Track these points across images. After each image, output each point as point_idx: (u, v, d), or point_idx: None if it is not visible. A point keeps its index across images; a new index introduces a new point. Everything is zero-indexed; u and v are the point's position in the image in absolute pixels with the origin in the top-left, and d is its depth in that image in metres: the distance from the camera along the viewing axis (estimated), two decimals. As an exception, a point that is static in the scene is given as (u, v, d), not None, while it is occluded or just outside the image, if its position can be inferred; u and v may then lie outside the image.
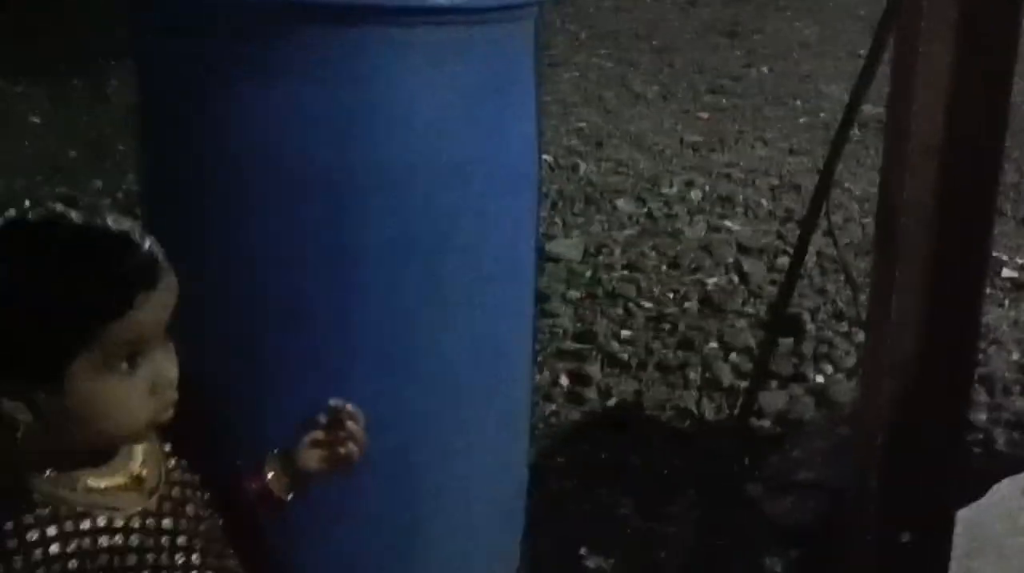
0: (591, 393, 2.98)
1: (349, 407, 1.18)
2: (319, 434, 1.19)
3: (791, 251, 3.22)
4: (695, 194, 4.43)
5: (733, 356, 3.14)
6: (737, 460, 2.57)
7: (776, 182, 4.63)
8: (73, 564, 0.94)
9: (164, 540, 1.00)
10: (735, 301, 3.49)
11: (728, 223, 4.13)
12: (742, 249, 3.87)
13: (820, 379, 3.02)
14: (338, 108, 1.50)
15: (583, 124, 5.38)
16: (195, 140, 1.57)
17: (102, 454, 0.99)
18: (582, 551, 2.34)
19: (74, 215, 1.00)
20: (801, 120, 5.60)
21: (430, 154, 1.59)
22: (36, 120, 5.34)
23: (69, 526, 0.94)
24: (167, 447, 1.05)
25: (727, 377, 3.02)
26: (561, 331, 3.29)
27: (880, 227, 1.65)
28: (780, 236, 3.99)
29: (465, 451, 1.80)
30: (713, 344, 3.21)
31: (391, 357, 1.67)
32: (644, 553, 2.35)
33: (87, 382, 0.93)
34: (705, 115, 5.66)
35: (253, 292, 1.58)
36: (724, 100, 5.93)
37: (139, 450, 1.02)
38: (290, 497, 1.19)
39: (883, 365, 1.63)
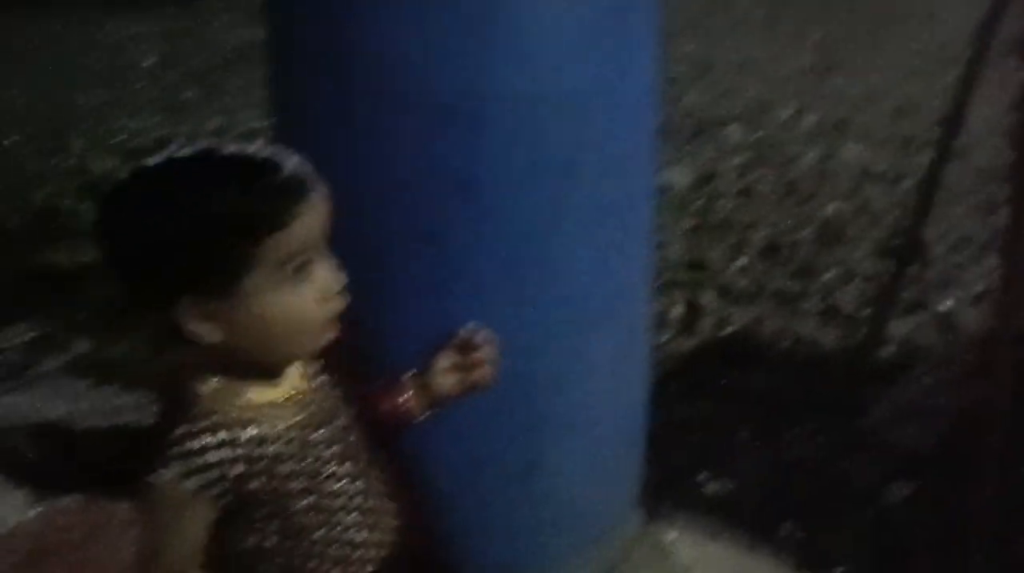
0: (705, 323, 2.96)
1: (483, 332, 1.20)
2: (453, 357, 1.22)
3: (913, 175, 3.12)
4: (809, 119, 4.31)
5: (854, 284, 3.07)
6: (859, 387, 2.53)
7: (895, 105, 4.46)
8: (238, 469, 1.01)
9: (316, 451, 1.06)
10: (854, 228, 3.40)
11: (845, 148, 4.01)
12: (861, 174, 3.76)
13: (945, 306, 2.94)
14: (465, 36, 1.50)
15: (688, 50, 5.26)
16: (324, 69, 1.58)
17: (265, 370, 1.04)
18: (700, 477, 2.35)
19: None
20: (919, 40, 5.36)
21: (554, 83, 1.58)
22: (152, 61, 5.49)
23: (234, 434, 1.01)
24: (316, 365, 1.11)
25: (847, 305, 2.96)
26: (673, 261, 3.27)
27: (1018, 150, 1.59)
28: (901, 160, 3.86)
29: (586, 378, 1.81)
30: (832, 272, 3.14)
31: (515, 284, 1.68)
32: (764, 479, 2.34)
33: (262, 294, 0.98)
34: (816, 37, 5.47)
35: (382, 220, 1.61)
36: (836, 22, 5.72)
37: (294, 367, 1.08)
38: (423, 416, 1.23)
39: (1017, 291, 1.58)
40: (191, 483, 0.99)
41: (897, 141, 4.09)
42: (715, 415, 2.56)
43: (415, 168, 1.58)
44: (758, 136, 4.17)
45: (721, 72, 4.97)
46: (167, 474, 0.99)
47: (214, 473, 1.00)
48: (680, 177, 3.77)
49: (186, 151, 0.99)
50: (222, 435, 1.00)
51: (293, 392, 1.06)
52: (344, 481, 1.09)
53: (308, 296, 1.00)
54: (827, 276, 3.14)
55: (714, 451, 2.44)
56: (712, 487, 2.33)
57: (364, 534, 1.10)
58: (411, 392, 1.22)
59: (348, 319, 1.12)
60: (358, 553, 1.10)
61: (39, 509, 2.16)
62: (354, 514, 1.09)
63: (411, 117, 1.56)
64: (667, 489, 2.27)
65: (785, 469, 2.37)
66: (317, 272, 1.01)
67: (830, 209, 3.55)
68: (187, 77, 5.18)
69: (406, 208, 1.60)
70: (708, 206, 3.61)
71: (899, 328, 2.80)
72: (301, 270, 0.99)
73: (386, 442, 1.17)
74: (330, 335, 1.04)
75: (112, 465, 2.25)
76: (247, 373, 1.03)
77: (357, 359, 1.15)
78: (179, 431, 0.99)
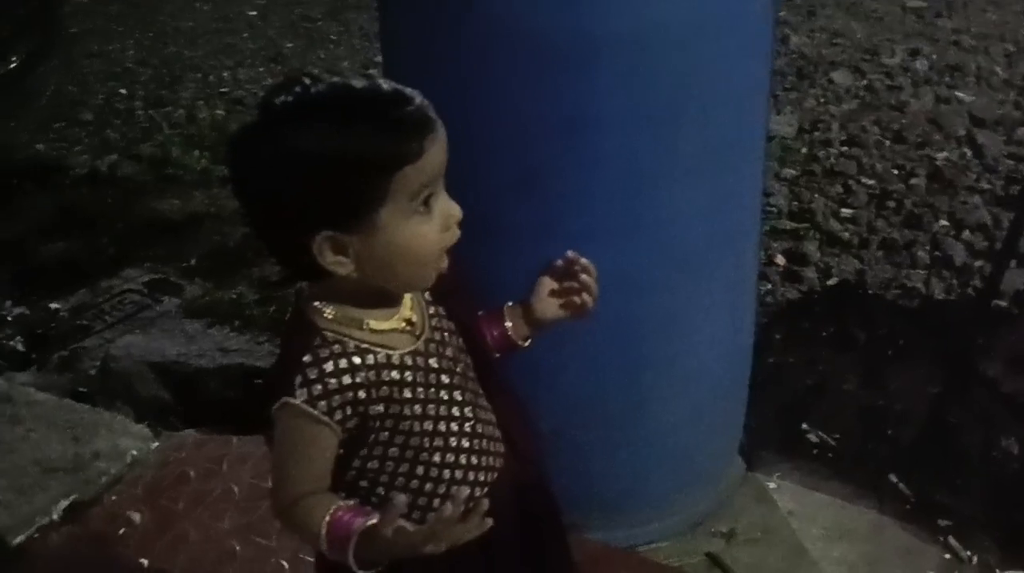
0: (809, 272, 2.90)
1: (583, 259, 1.21)
2: (555, 283, 1.23)
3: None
4: (920, 63, 4.14)
5: (966, 234, 2.97)
6: (971, 338, 2.46)
7: (1011, 48, 4.26)
8: (361, 394, 1.04)
9: (431, 377, 1.10)
10: (968, 176, 3.28)
11: (959, 93, 3.85)
12: (975, 121, 3.61)
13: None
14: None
15: (793, -8, 5.11)
16: (434, 8, 1.59)
17: (382, 300, 1.08)
18: (804, 425, 2.32)
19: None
20: (1040, -21, 5.10)
21: (666, 21, 1.55)
22: (253, 13, 5.57)
23: (356, 360, 1.04)
24: (427, 296, 1.14)
25: (960, 256, 2.86)
26: (776, 210, 3.20)
27: None
28: (1017, 106, 3.70)
29: (692, 321, 1.80)
30: (944, 222, 3.05)
31: (622, 225, 1.67)
32: (870, 428, 2.30)
33: (394, 226, 1.01)
34: (929, -22, 5.25)
35: (489, 160, 1.62)
36: (950, -39, 5.47)
37: (408, 298, 1.11)
38: (527, 344, 1.25)
39: None
40: (319, 407, 1.02)
41: (1013, 86, 3.91)
42: (819, 364, 2.52)
43: (523, 108, 1.58)
44: (865, 81, 4.03)
45: (827, 15, 4.80)
46: (295, 400, 1.02)
47: (340, 397, 1.03)
48: (784, 124, 3.68)
49: (316, 86, 1.00)
50: (344, 362, 1.03)
51: (406, 323, 1.10)
52: (455, 407, 1.12)
53: (434, 224, 1.03)
54: (937, 226, 3.04)
55: (818, 400, 2.40)
56: (815, 436, 2.30)
57: (475, 459, 1.14)
58: (514, 319, 1.24)
59: (457, 255, 1.14)
60: (470, 476, 1.13)
61: (156, 444, 2.25)
62: (465, 439, 1.13)
63: (520, 57, 1.55)
64: (770, 436, 2.25)
65: (891, 420, 2.33)
66: (439, 203, 1.04)
67: (941, 157, 3.43)
68: (288, 28, 5.25)
69: (513, 148, 1.61)
70: (813, 153, 3.52)
71: (1014, 280, 2.70)
72: (426, 202, 1.02)
73: (493, 372, 1.19)
74: (444, 265, 1.07)
75: (237, 405, 2.34)
76: (365, 303, 1.07)
77: (465, 293, 1.17)
78: (305, 359, 1.03)
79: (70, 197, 3.61)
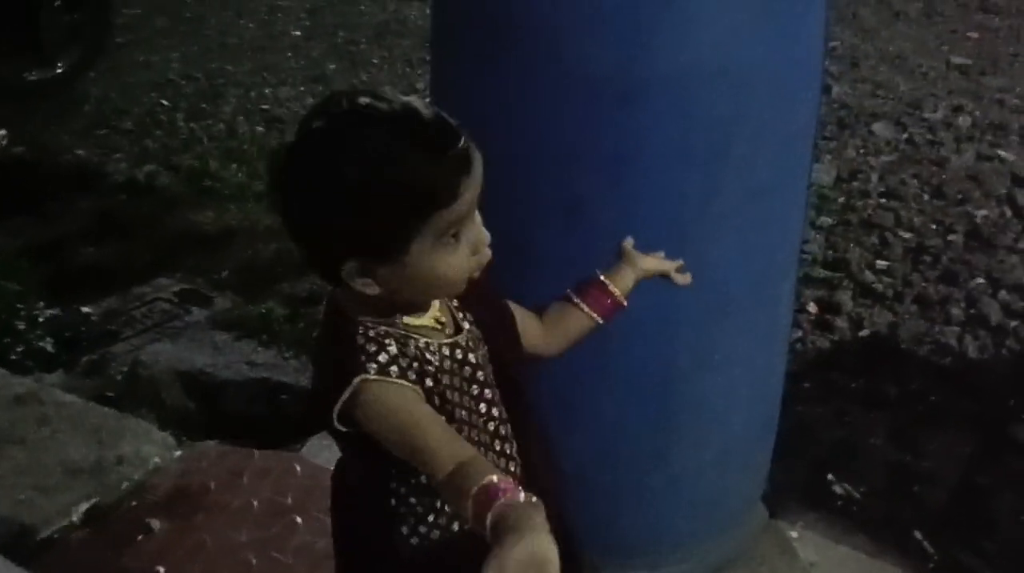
0: (841, 322, 2.88)
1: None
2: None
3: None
4: (963, 120, 4.12)
5: (1003, 293, 2.93)
6: (1004, 400, 2.42)
7: (1056, 110, 4.24)
8: (416, 364, 1.05)
9: (467, 370, 1.12)
10: (1007, 235, 3.25)
11: (1001, 152, 3.82)
12: (1016, 180, 3.59)
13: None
14: (629, 10, 1.49)
15: (836, 43, 5.09)
16: (483, 37, 1.60)
17: (413, 306, 1.10)
18: (830, 476, 2.29)
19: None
20: (1086, 43, 5.08)
21: (716, 60, 1.55)
22: (297, 33, 5.63)
23: (403, 343, 1.06)
24: (455, 303, 1.16)
25: (995, 315, 2.83)
26: (810, 257, 3.18)
27: None
28: (1059, 168, 3.67)
29: (726, 363, 1.78)
30: (980, 279, 3.01)
31: (661, 263, 1.66)
32: (897, 484, 2.27)
33: (423, 257, 1.03)
34: (975, 35, 5.23)
35: (530, 189, 1.62)
36: (997, 19, 5.46)
37: (436, 302, 1.13)
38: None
39: None
40: (392, 373, 1.03)
41: (1056, 148, 3.89)
42: (848, 416, 2.49)
43: (567, 140, 1.58)
44: (906, 135, 4.01)
45: (871, 66, 4.80)
46: (370, 374, 1.02)
47: (404, 360, 1.04)
48: (822, 172, 3.66)
49: (366, 105, 1.00)
50: (391, 342, 1.05)
51: (436, 322, 1.12)
52: (484, 405, 1.13)
53: (463, 253, 1.05)
54: (973, 283, 3.01)
55: (844, 452, 2.37)
56: (840, 489, 2.27)
57: (500, 461, 1.15)
58: (609, 280, 1.31)
59: (494, 281, 1.15)
60: None
61: (179, 452, 2.25)
62: (493, 440, 1.14)
63: (566, 91, 1.56)
64: (794, 485, 2.22)
65: (918, 477, 2.29)
66: (471, 230, 1.05)
67: (980, 215, 3.40)
68: (331, 50, 5.30)
69: (557, 180, 1.61)
70: (850, 204, 3.50)
71: (1050, 342, 2.67)
72: (459, 231, 1.04)
73: (521, 395, 1.19)
74: (475, 275, 1.09)
75: (261, 418, 2.35)
76: (396, 308, 1.09)
77: (492, 301, 1.20)
78: (359, 341, 1.04)
79: (108, 204, 3.64)
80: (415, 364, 1.06)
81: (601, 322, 1.30)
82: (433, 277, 1.04)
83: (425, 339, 1.09)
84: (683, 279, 1.38)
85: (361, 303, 1.07)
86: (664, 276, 1.36)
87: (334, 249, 1.02)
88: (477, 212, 1.06)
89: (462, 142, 1.01)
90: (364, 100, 1.01)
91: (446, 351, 1.10)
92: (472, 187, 1.02)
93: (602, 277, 1.32)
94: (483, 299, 1.16)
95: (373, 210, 0.99)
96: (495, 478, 0.91)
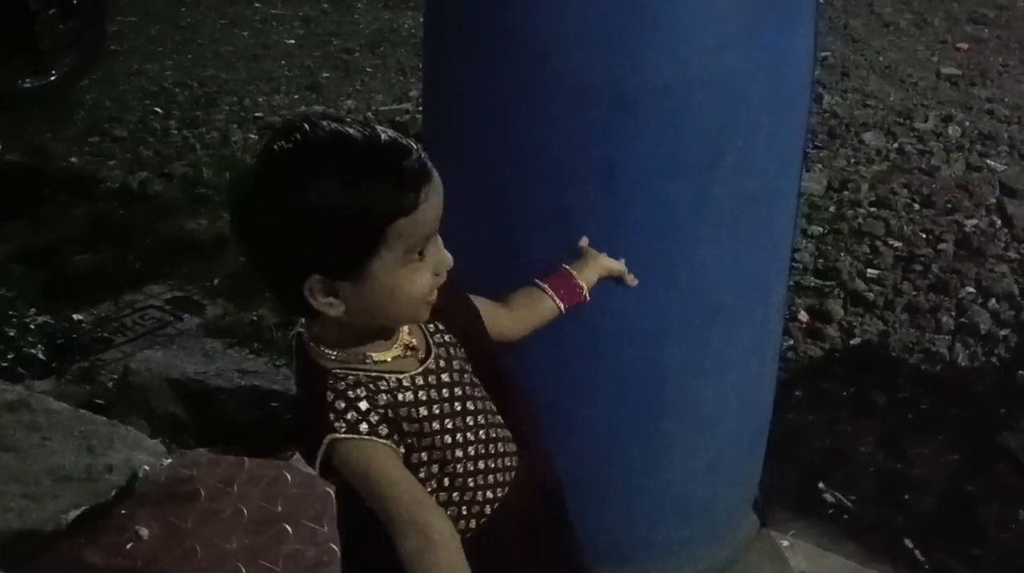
0: (832, 330, 2.88)
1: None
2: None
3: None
4: (953, 130, 4.14)
5: (992, 302, 2.95)
6: (994, 408, 2.43)
7: (1046, 120, 4.26)
8: (389, 413, 1.07)
9: (444, 392, 1.13)
10: (996, 245, 3.26)
11: (990, 162, 3.84)
12: (1006, 190, 3.60)
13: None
14: (621, 20, 1.50)
15: (827, 53, 5.11)
16: (475, 46, 1.60)
17: (380, 332, 1.11)
18: (820, 485, 2.30)
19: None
20: (1076, 53, 5.11)
21: (707, 70, 1.56)
22: (291, 42, 5.64)
23: (372, 387, 1.07)
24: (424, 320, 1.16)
25: (985, 323, 2.84)
26: (801, 266, 3.19)
27: None
28: (1049, 178, 3.69)
29: (716, 370, 1.79)
30: (970, 289, 3.03)
31: (653, 271, 1.66)
32: (887, 493, 2.28)
33: (386, 275, 1.03)
34: (965, 46, 5.26)
35: (523, 197, 1.63)
36: (986, 30, 5.48)
37: (404, 327, 1.14)
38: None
39: None
40: (362, 430, 1.04)
41: (1047, 158, 3.91)
42: (838, 424, 2.50)
43: (558, 149, 1.59)
44: (897, 144, 4.03)
45: (861, 76, 4.81)
46: (340, 434, 1.03)
47: (375, 415, 1.05)
48: (813, 182, 3.68)
49: (315, 129, 1.02)
50: (362, 390, 1.06)
51: (407, 349, 1.12)
52: (469, 416, 1.15)
53: (426, 273, 1.06)
54: (963, 292, 3.02)
55: (835, 461, 2.38)
56: (831, 496, 2.28)
57: (492, 462, 1.17)
58: (575, 273, 1.35)
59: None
60: (490, 478, 1.17)
61: (169, 460, 2.25)
62: (482, 446, 1.16)
63: (558, 98, 1.56)
64: (785, 494, 2.23)
65: (908, 486, 2.30)
66: (435, 250, 1.06)
67: (969, 224, 3.42)
68: (324, 58, 5.31)
69: (547, 187, 1.61)
70: (840, 213, 3.51)
71: (1040, 351, 2.68)
72: (422, 249, 1.05)
73: (492, 367, 1.22)
74: (434, 300, 1.09)
75: (252, 426, 2.34)
76: (363, 339, 1.09)
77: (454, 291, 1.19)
78: (327, 398, 1.05)
79: (101, 211, 3.64)
80: (389, 412, 1.06)
81: (565, 311, 1.34)
82: (397, 294, 1.05)
83: (396, 376, 1.09)
84: (631, 281, 1.42)
85: (327, 338, 1.08)
86: (619, 278, 1.41)
87: (293, 269, 1.03)
88: (439, 236, 1.07)
89: (417, 155, 1.03)
90: (319, 123, 1.04)
91: (419, 381, 1.11)
92: (433, 199, 1.03)
93: (572, 270, 1.35)
94: (448, 300, 1.17)
95: (330, 224, 1.00)
96: None
